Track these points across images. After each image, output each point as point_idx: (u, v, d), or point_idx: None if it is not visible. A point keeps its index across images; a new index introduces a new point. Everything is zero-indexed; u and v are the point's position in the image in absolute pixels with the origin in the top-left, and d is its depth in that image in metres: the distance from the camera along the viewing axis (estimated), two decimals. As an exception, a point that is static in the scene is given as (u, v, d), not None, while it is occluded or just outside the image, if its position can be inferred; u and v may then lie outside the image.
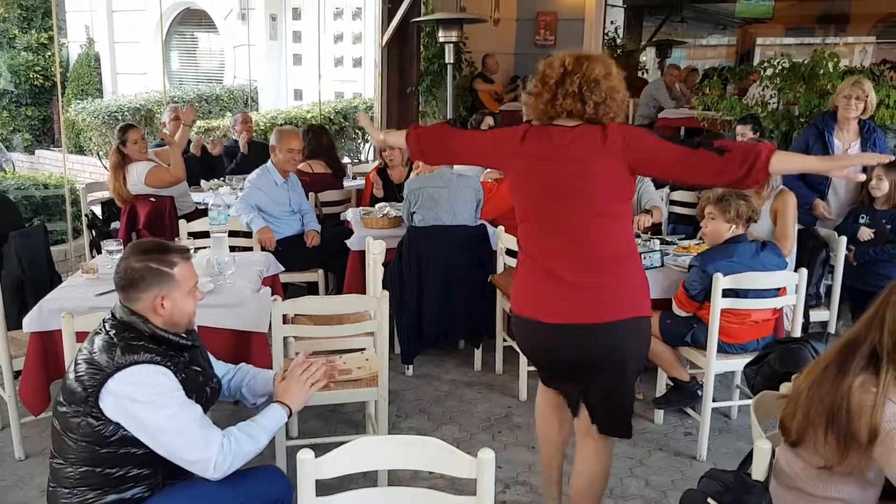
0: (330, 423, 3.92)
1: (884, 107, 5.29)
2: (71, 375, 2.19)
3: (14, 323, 3.58)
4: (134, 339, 2.19)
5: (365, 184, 5.75)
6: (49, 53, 12.27)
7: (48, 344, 3.15)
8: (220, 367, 2.61)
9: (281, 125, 9.46)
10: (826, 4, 12.76)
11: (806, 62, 6.09)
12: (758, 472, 1.99)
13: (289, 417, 2.40)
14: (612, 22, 11.46)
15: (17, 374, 3.46)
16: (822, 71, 5.90)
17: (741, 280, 3.41)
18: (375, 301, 3.19)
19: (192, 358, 2.36)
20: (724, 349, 3.52)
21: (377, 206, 5.04)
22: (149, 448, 2.17)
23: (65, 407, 2.19)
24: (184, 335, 2.33)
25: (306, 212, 5.12)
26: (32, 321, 3.17)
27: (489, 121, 5.96)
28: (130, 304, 2.26)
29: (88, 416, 2.14)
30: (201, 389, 2.35)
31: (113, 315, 2.28)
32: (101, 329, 2.25)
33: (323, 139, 5.87)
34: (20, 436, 3.51)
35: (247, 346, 3.27)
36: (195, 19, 12.16)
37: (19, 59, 12.13)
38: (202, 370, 2.40)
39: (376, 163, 6.61)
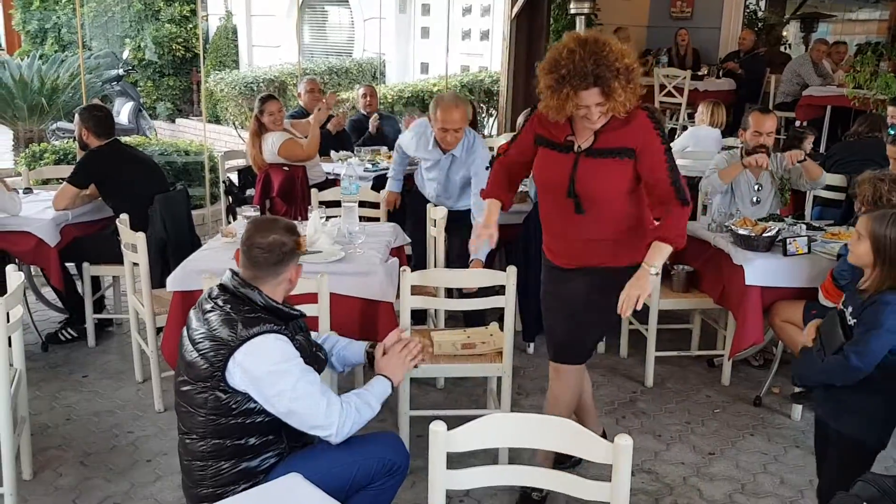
0: (450, 397, 3.92)
1: None
2: (192, 355, 2.23)
3: (157, 282, 3.75)
4: (250, 312, 2.24)
5: None
6: (191, 26, 12.80)
7: (189, 303, 3.24)
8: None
9: (408, 98, 9.55)
10: None
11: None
12: (922, 480, 1.83)
13: (392, 389, 2.49)
14: (753, -7, 10.87)
15: (159, 331, 3.64)
16: None
17: None
18: (503, 276, 3.14)
19: (297, 328, 2.41)
20: (874, 345, 3.26)
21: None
22: (272, 416, 2.23)
23: (189, 385, 2.24)
24: (292, 306, 2.40)
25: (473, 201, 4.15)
26: (176, 281, 3.30)
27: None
28: (271, 277, 2.32)
29: (216, 391, 2.20)
30: (313, 357, 2.41)
31: (224, 289, 2.31)
32: (212, 307, 2.27)
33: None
34: (160, 389, 3.69)
35: (374, 316, 3.30)
36: (327, -7, 12.41)
37: (163, 31, 12.71)
38: (307, 339, 2.46)
39: (504, 138, 6.55)
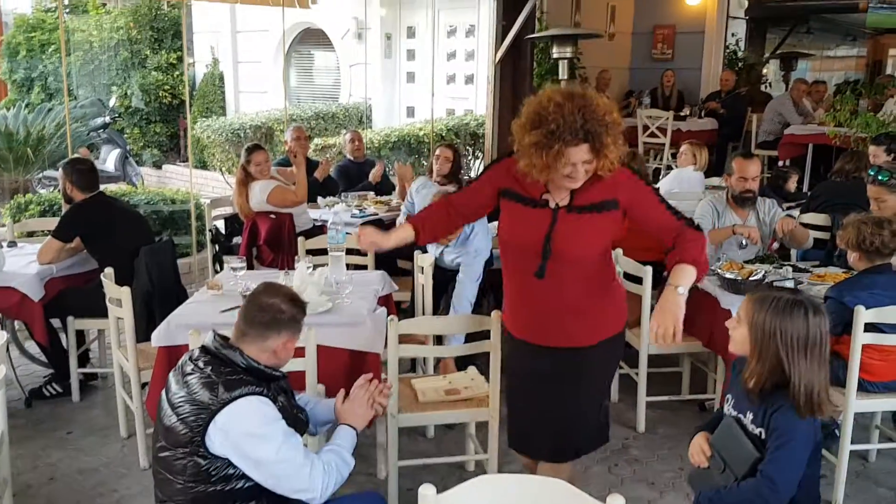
0: (440, 443, 3.87)
1: None
2: (171, 419, 2.18)
3: (143, 334, 3.71)
4: (232, 374, 2.20)
5: None
6: (177, 73, 12.88)
7: (175, 358, 3.20)
8: None
9: (394, 142, 9.61)
10: (970, 12, 11.86)
11: (953, 76, 5.67)
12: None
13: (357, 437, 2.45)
14: (732, 34, 11.07)
15: (144, 385, 3.59)
16: (971, 85, 5.48)
17: (885, 314, 3.16)
18: (489, 321, 3.13)
19: (279, 388, 2.37)
20: (864, 387, 3.26)
21: (493, 224, 4.97)
22: (253, 481, 2.18)
23: (168, 451, 2.19)
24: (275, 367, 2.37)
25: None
26: (160, 336, 3.27)
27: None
28: (258, 340, 2.27)
29: (195, 456, 2.14)
30: (295, 418, 2.37)
31: (205, 350, 2.27)
32: (192, 369, 2.23)
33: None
34: (145, 445, 3.63)
35: (361, 366, 3.27)
36: (313, 39, 12.50)
37: (150, 79, 12.77)
38: (289, 400, 2.42)
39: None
